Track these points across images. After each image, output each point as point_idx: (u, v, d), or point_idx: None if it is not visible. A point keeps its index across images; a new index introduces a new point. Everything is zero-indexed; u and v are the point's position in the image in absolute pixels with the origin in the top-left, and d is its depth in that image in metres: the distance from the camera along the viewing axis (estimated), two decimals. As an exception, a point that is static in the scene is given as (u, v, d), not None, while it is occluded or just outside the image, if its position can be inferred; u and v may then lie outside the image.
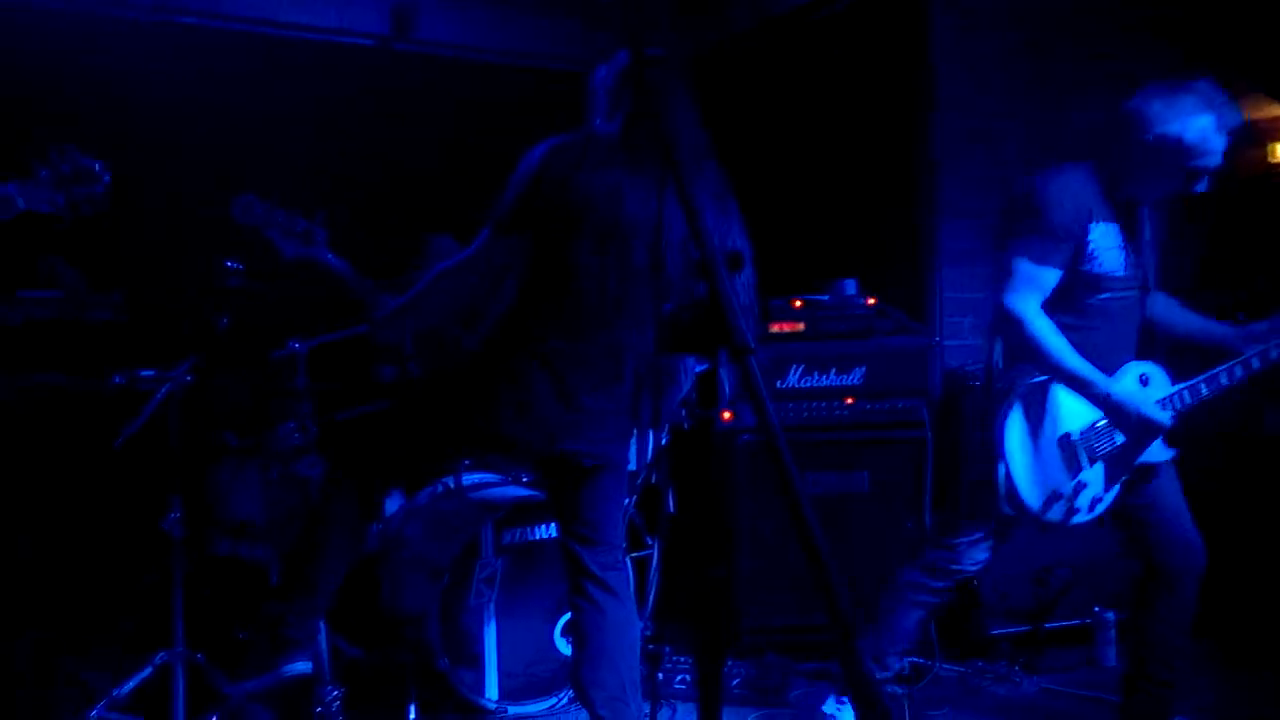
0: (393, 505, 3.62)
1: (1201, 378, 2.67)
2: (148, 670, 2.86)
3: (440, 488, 3.43)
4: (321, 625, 2.88)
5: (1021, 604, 3.61)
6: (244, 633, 3.20)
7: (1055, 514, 2.61)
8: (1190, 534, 2.69)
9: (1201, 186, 2.57)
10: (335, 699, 2.82)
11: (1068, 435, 2.62)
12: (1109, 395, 2.55)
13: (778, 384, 3.73)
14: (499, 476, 3.43)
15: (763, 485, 3.64)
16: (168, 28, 4.20)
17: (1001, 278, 2.58)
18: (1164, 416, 2.58)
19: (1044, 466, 2.61)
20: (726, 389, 3.38)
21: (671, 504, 3.49)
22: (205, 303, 3.25)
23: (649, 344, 2.43)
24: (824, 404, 3.75)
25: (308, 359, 3.46)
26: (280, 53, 4.43)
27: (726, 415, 3.62)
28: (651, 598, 3.43)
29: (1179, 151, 2.50)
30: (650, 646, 3.21)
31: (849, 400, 3.74)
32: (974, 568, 2.79)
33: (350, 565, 2.60)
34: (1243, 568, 3.94)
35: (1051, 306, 2.58)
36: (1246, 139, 6.29)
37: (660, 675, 3.25)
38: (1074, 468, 2.62)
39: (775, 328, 3.79)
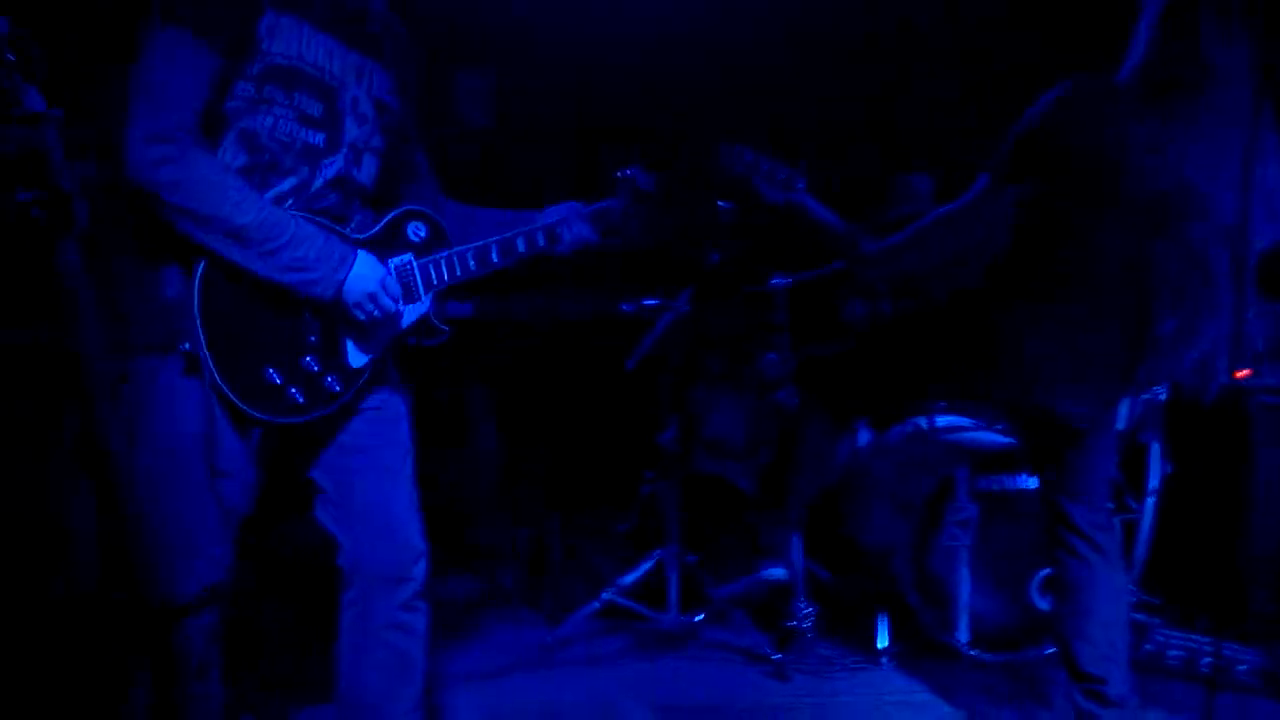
0: (863, 438, 3.69)
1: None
2: (648, 564, 3.17)
3: (911, 427, 3.43)
4: (797, 543, 3.04)
5: None
6: (726, 541, 3.48)
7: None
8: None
9: None
10: (808, 615, 2.97)
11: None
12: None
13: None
14: (973, 421, 3.34)
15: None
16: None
17: None
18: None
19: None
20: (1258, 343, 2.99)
21: (1167, 466, 3.19)
22: (699, 239, 3.52)
23: (1181, 314, 2.19)
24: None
25: (788, 295, 3.62)
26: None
27: (1245, 372, 3.20)
28: (1139, 564, 3.17)
29: None
30: (1140, 616, 3.00)
31: None
32: None
33: (818, 487, 2.72)
34: None
35: None
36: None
37: (1150, 648, 3.02)
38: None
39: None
